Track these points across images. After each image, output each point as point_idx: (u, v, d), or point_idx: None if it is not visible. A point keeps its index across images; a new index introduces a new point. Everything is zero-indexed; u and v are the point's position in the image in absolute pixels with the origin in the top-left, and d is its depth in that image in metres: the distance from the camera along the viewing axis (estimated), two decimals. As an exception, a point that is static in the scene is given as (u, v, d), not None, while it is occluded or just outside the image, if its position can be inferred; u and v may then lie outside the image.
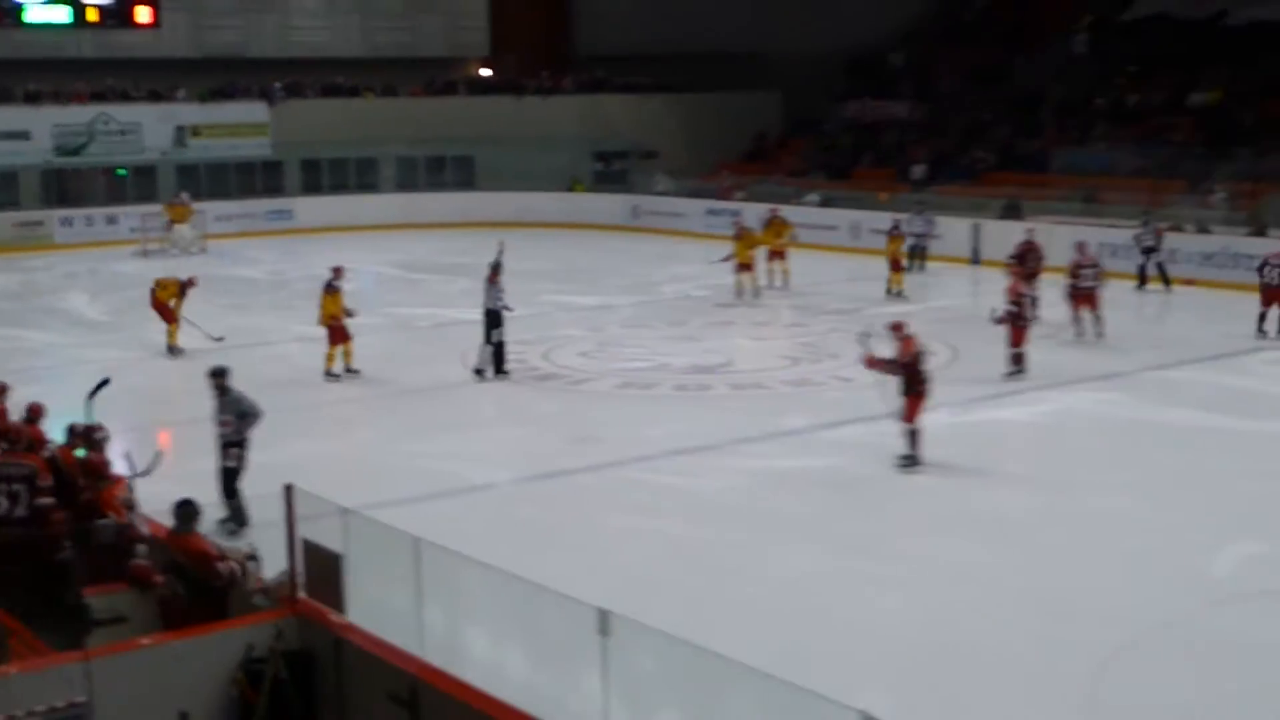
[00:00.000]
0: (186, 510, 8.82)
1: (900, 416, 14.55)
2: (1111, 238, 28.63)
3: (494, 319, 18.80)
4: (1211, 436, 15.84)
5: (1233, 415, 16.59)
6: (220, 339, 21.02)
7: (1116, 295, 24.81)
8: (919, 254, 28.94)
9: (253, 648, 7.93)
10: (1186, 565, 11.59)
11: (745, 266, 25.64)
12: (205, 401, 13.39)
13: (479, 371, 18.87)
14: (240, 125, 40.64)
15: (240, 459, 12.91)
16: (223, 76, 41.35)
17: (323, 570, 8.08)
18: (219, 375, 13.19)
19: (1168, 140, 33.59)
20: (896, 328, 14.87)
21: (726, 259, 25.63)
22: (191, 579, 8.50)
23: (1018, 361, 18.66)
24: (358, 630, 7.87)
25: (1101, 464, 14.79)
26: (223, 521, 12.37)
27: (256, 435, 13.35)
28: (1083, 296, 21.20)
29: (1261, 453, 15.14)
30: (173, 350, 21.15)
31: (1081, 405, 17.38)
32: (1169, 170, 32.55)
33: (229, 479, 12.83)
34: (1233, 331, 23.07)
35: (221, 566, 8.46)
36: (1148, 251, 26.24)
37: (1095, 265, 21.38)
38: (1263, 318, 21.18)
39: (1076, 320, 21.25)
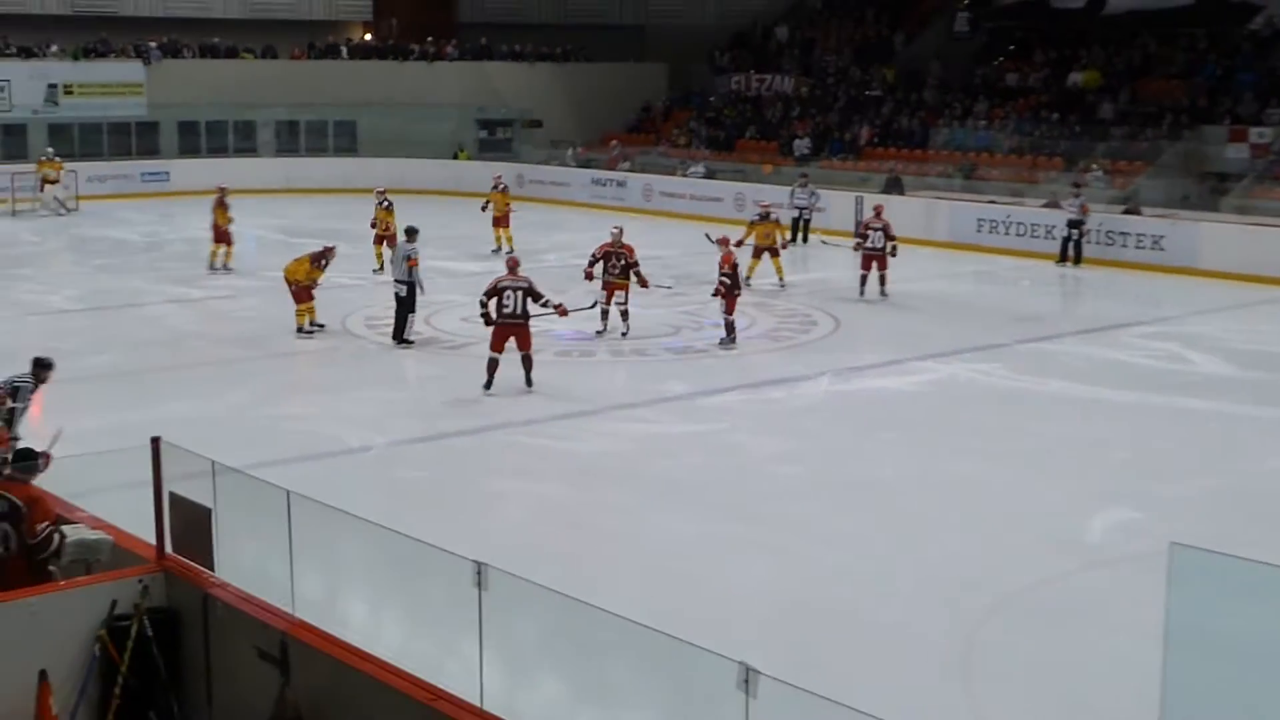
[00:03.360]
0: (27, 457, 8.66)
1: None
2: (990, 213, 29.06)
3: (413, 289, 18.74)
4: (1085, 407, 16.07)
5: (1105, 386, 16.86)
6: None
7: (1004, 269, 25.19)
8: (803, 227, 29.09)
9: (117, 604, 7.70)
10: (1058, 531, 11.72)
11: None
12: (76, 360, 13.03)
13: (410, 341, 18.76)
14: (114, 85, 39.67)
15: None
16: (96, 34, 40.30)
17: (191, 525, 7.86)
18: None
19: (1045, 119, 34.09)
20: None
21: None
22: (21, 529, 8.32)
23: (730, 330, 18.89)
24: (226, 586, 7.67)
25: (977, 432, 14.94)
26: None
27: (129, 395, 13.09)
28: (870, 257, 22.16)
29: (1132, 422, 15.42)
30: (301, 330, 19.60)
31: (960, 375, 17.55)
32: (1046, 148, 33.10)
33: None
34: (1108, 306, 23.58)
35: (42, 527, 8.23)
36: (1073, 225, 26.52)
37: (884, 228, 22.09)
38: None
39: (863, 280, 22.26)
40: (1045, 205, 28.75)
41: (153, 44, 40.52)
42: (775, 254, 23.52)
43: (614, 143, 40.13)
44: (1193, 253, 25.66)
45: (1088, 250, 26.46)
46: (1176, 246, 25.91)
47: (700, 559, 11.15)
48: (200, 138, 40.86)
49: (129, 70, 39.99)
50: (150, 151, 39.80)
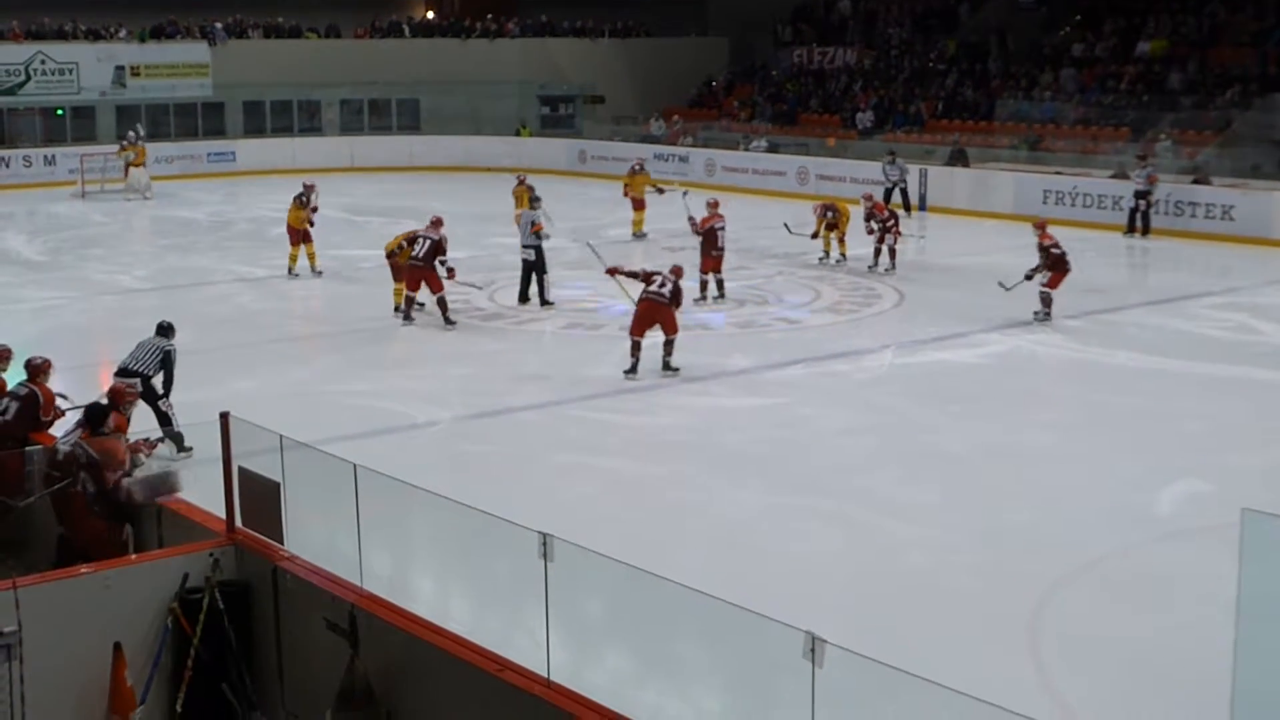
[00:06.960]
0: (100, 412, 9.24)
1: None
2: (1056, 184, 28.76)
3: (540, 252, 19.57)
4: (1154, 378, 15.92)
5: (1175, 358, 16.69)
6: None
7: (1070, 240, 24.91)
8: (902, 196, 29.15)
9: (188, 577, 7.80)
10: (1129, 503, 11.62)
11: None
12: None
13: (551, 302, 19.61)
14: (180, 66, 40.01)
15: None
16: (162, 16, 40.65)
17: (260, 499, 7.95)
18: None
19: (1113, 89, 33.65)
20: None
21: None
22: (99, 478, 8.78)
23: (702, 289, 19.83)
24: (295, 559, 7.75)
25: (1045, 404, 14.84)
26: None
27: (197, 373, 13.27)
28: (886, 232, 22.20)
29: (1202, 394, 15.24)
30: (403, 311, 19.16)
31: (1026, 347, 17.42)
32: (1113, 119, 32.67)
33: None
34: (1176, 277, 23.30)
35: (114, 476, 8.70)
36: (1140, 196, 26.27)
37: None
38: None
39: (877, 253, 22.51)
40: (1112, 176, 28.40)
41: (218, 25, 40.83)
42: (841, 232, 23.46)
43: (675, 118, 40.04)
44: (1264, 223, 25.28)
45: (1156, 221, 26.14)
46: (1247, 216, 25.54)
47: (768, 531, 11.15)
48: (265, 118, 41.20)
49: (195, 51, 40.31)
50: (216, 132, 40.17)
